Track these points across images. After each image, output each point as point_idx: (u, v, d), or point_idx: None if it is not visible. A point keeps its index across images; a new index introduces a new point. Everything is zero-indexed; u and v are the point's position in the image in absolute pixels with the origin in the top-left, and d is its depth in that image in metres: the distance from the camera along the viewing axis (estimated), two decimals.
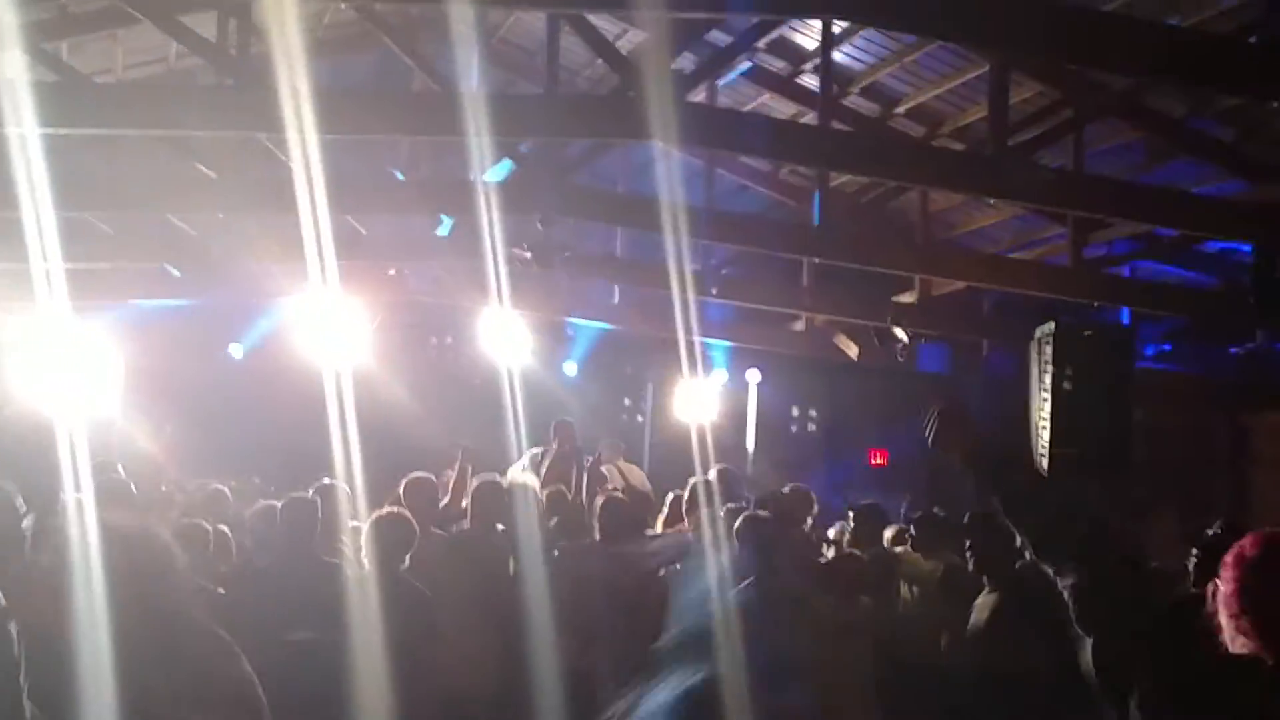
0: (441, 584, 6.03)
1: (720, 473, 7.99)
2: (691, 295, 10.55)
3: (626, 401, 16.78)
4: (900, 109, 11.20)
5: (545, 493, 8.36)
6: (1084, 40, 6.76)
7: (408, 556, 5.77)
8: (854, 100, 11.19)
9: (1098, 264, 11.26)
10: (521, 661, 6.22)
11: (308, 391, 9.39)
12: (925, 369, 13.30)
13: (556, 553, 7.11)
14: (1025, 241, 12.56)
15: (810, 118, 10.88)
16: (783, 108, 11.70)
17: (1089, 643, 2.80)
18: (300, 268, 9.49)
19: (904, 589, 6.85)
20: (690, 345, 11.59)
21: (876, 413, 15.63)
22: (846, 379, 15.17)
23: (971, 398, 12.08)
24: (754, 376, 15.11)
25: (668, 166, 9.54)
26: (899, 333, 12.30)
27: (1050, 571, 2.88)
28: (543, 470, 9.05)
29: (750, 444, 15.07)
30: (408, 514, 6.03)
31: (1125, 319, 11.62)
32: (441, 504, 7.68)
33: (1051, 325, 8.39)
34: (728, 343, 14.71)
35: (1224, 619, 2.63)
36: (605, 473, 9.86)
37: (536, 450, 9.52)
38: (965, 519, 5.99)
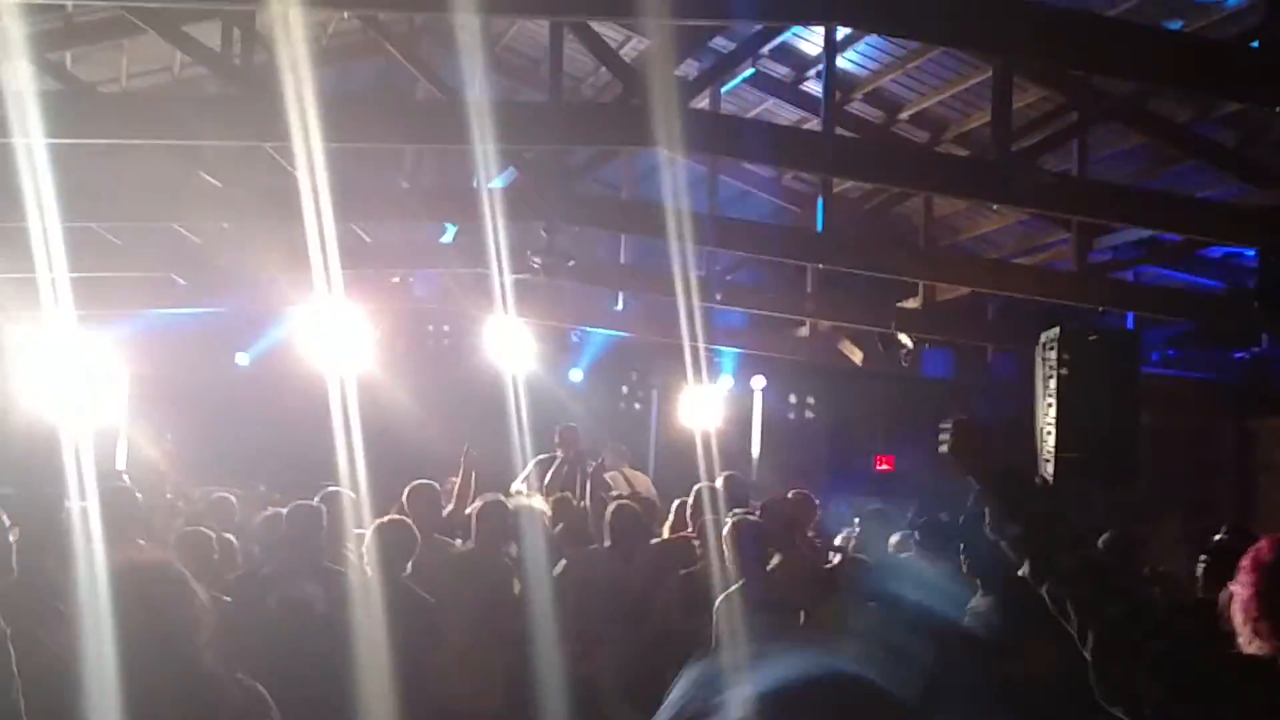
0: (446, 603, 6.04)
1: (726, 480, 8.02)
2: (696, 302, 10.56)
3: (636, 407, 16.77)
4: (904, 115, 11.22)
5: (551, 500, 8.38)
6: (1086, 45, 6.77)
7: (409, 563, 5.77)
8: (857, 106, 11.21)
9: (1102, 269, 11.26)
10: (526, 679, 6.23)
11: (313, 399, 9.41)
12: (930, 374, 13.28)
13: (563, 564, 7.10)
14: (1029, 247, 12.55)
15: (814, 124, 10.91)
16: (786, 114, 11.72)
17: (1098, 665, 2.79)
18: (305, 276, 9.51)
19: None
20: (695, 352, 11.60)
21: (882, 418, 15.63)
22: (851, 385, 15.16)
23: (976, 403, 12.08)
24: (759, 383, 15.11)
25: (671, 173, 9.55)
26: (903, 338, 12.30)
27: (1049, 599, 2.89)
28: (548, 477, 9.07)
29: (755, 450, 15.08)
30: (409, 521, 6.05)
31: (1130, 324, 11.61)
32: (445, 511, 7.69)
33: (1056, 330, 8.37)
34: (733, 349, 14.71)
35: (1240, 622, 2.65)
36: (610, 479, 9.89)
37: (543, 457, 9.53)
38: (958, 521, 5.97)
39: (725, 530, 6.33)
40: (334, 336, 10.78)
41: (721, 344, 14.27)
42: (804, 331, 14.50)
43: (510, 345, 12.01)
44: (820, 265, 12.11)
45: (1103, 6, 8.03)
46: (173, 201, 10.32)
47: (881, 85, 10.84)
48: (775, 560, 6.11)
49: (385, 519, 5.98)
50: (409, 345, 14.52)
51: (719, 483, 7.88)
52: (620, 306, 13.95)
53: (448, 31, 9.29)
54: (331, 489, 6.88)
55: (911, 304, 12.57)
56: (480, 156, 8.44)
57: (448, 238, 12.41)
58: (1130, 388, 8.48)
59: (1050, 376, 8.33)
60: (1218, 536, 6.92)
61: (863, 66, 10.69)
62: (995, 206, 11.46)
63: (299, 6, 7.23)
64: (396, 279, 13.70)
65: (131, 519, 5.97)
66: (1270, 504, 11.77)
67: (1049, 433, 8.28)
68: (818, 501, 8.72)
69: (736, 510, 7.06)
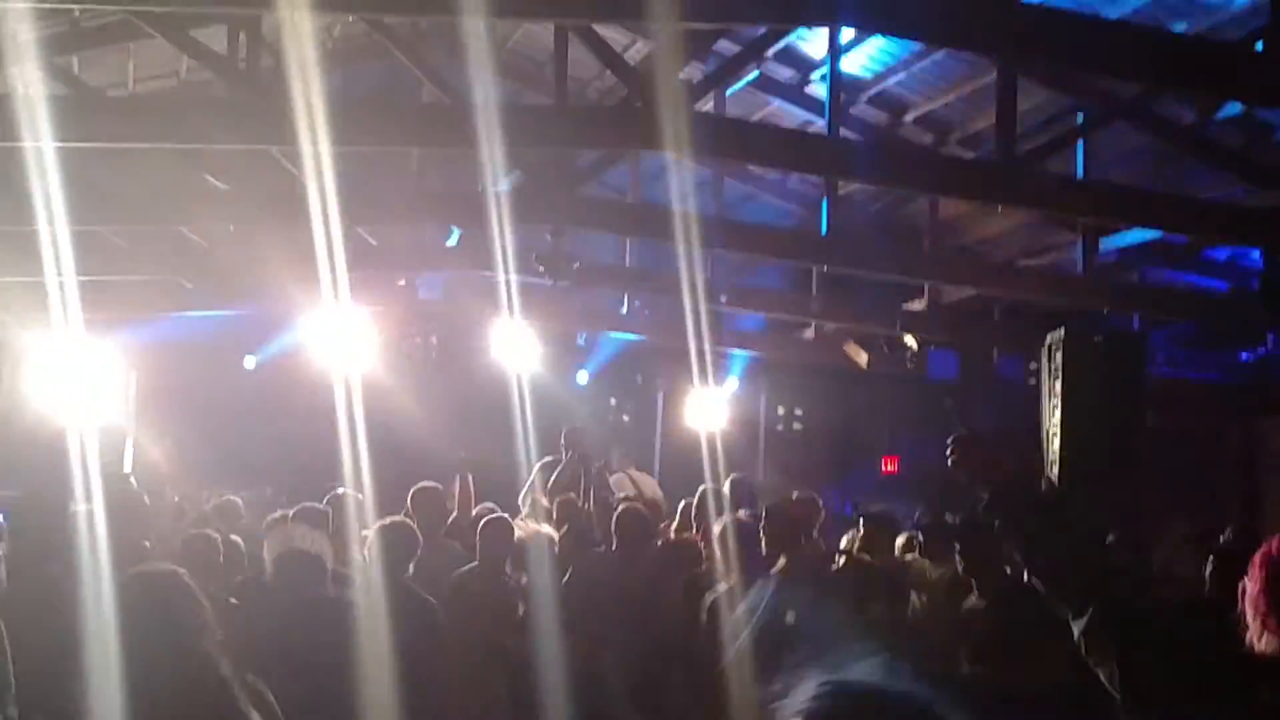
0: (450, 621, 6.06)
1: (732, 482, 8.03)
2: (701, 304, 10.56)
3: (642, 409, 16.78)
4: (909, 117, 11.21)
5: (556, 501, 8.40)
6: (1091, 47, 6.78)
7: (412, 565, 5.79)
8: (862, 109, 11.21)
9: (1107, 270, 11.25)
10: (531, 689, 6.25)
11: (320, 402, 9.43)
12: (935, 376, 13.28)
13: (569, 573, 7.11)
14: (1035, 248, 12.54)
15: (818, 126, 10.90)
16: (791, 117, 11.72)
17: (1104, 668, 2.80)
18: (311, 279, 9.52)
19: (913, 597, 6.85)
20: (700, 354, 11.60)
21: (887, 420, 15.63)
22: (857, 387, 15.16)
23: (981, 405, 12.07)
24: (764, 385, 15.12)
25: (676, 176, 9.56)
26: (909, 340, 12.30)
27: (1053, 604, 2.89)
28: (553, 479, 9.08)
29: (760, 452, 15.08)
30: (410, 522, 6.07)
31: (1136, 325, 11.60)
32: (450, 519, 7.73)
33: (1061, 332, 8.37)
34: (738, 351, 14.71)
35: (1251, 618, 2.67)
36: (616, 481, 9.90)
37: (548, 460, 9.54)
38: (957, 523, 5.98)
39: (726, 531, 6.34)
40: (339, 340, 10.80)
41: (726, 346, 14.27)
42: (809, 333, 14.50)
43: (516, 348, 12.03)
44: (825, 268, 12.12)
45: (1109, 9, 8.04)
46: (179, 205, 10.35)
47: (886, 87, 10.84)
48: (781, 562, 6.13)
49: (387, 520, 6.00)
50: (414, 348, 14.55)
51: (725, 485, 7.90)
52: (626, 310, 13.97)
53: (453, 35, 9.29)
54: (339, 492, 6.90)
55: (917, 306, 12.56)
56: (485, 160, 8.46)
57: (453, 241, 12.43)
58: (1136, 389, 8.47)
59: (1055, 379, 8.33)
60: (1225, 537, 6.93)
61: (867, 69, 10.69)
62: (1000, 208, 11.46)
63: (305, 10, 7.24)
64: (402, 282, 13.73)
65: (138, 522, 5.99)
66: (1277, 504, 11.75)
67: (1054, 435, 8.28)
68: (822, 503, 8.72)
69: (741, 512, 7.06)
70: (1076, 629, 2.81)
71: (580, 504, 8.48)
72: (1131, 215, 9.27)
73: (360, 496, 6.95)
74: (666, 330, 12.55)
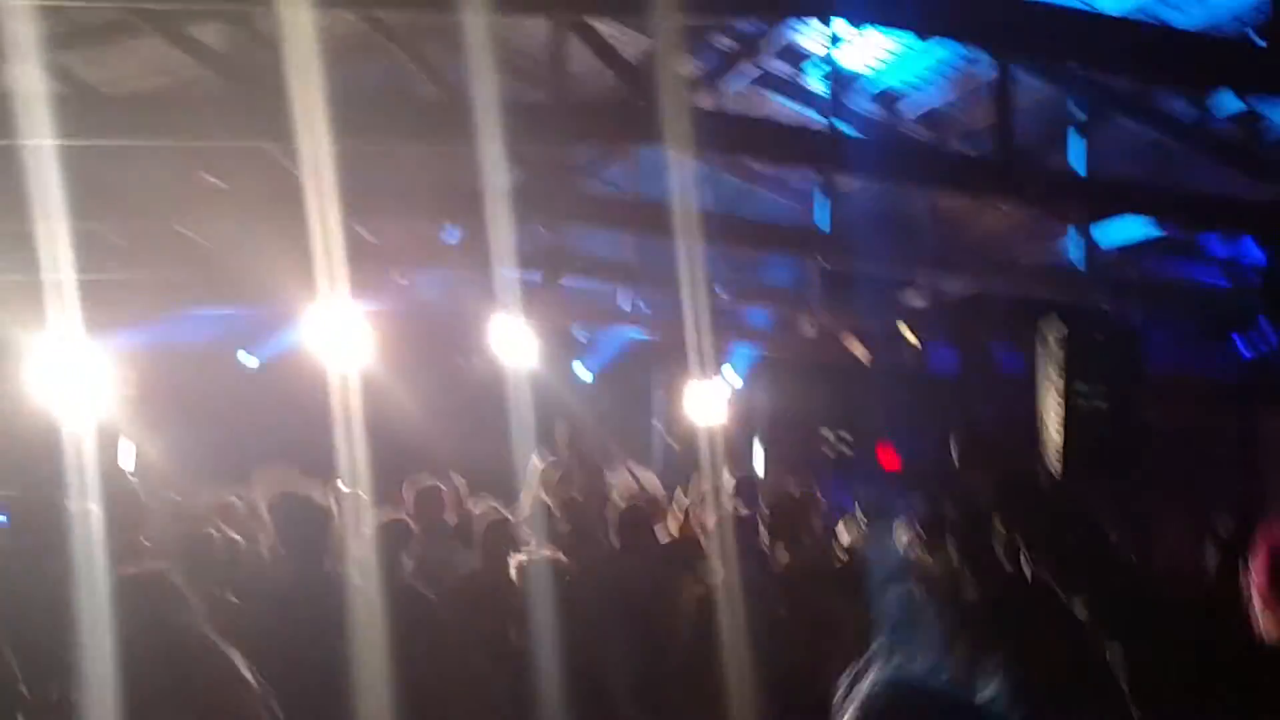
0: (449, 618, 6.06)
1: (735, 478, 8.04)
2: (701, 299, 10.55)
3: (642, 405, 16.78)
4: (908, 113, 11.20)
5: (557, 499, 8.40)
6: (1090, 41, 6.76)
7: (410, 561, 5.80)
8: (861, 104, 11.19)
9: (1107, 265, 11.23)
10: (533, 688, 6.25)
11: (319, 401, 9.41)
12: (935, 370, 13.28)
13: (572, 573, 7.10)
14: (1035, 243, 12.52)
15: (817, 122, 10.89)
16: (790, 112, 11.70)
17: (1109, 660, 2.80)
18: (309, 276, 9.51)
19: (913, 589, 6.84)
20: (700, 349, 11.60)
21: (887, 414, 15.61)
22: (856, 381, 15.15)
23: (982, 400, 12.07)
24: (764, 379, 15.11)
25: (674, 171, 9.55)
26: (908, 335, 12.29)
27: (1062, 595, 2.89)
28: (551, 475, 9.08)
29: (761, 447, 15.08)
30: (408, 519, 6.07)
31: (1135, 320, 11.58)
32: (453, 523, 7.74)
33: (1061, 327, 8.38)
34: (738, 346, 14.71)
35: (1259, 608, 2.68)
36: (616, 477, 9.90)
37: (552, 460, 9.55)
38: (953, 513, 5.97)
39: (726, 527, 6.35)
40: (338, 337, 10.78)
41: (727, 341, 14.27)
42: (809, 328, 14.49)
43: (515, 344, 12.01)
44: (825, 263, 12.11)
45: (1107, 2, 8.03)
46: (176, 203, 10.34)
47: (886, 84, 10.82)
48: (785, 558, 6.14)
49: (385, 518, 6.01)
50: (413, 345, 14.53)
51: (727, 481, 7.91)
52: (625, 305, 13.96)
53: (451, 31, 9.27)
54: (340, 488, 6.90)
55: (917, 301, 12.55)
56: (484, 156, 8.45)
57: (451, 237, 12.42)
58: (1135, 383, 8.49)
59: (1055, 373, 8.34)
60: (1225, 531, 6.92)
61: (867, 65, 10.67)
62: (1001, 204, 11.45)
63: (303, 7, 7.23)
64: (401, 279, 13.71)
65: (135, 520, 5.99)
66: (1277, 498, 11.75)
67: (1054, 430, 8.29)
68: (823, 498, 8.73)
69: (744, 508, 7.07)
70: (1082, 621, 2.80)
71: (580, 500, 8.48)
72: (1132, 210, 9.26)
73: (362, 495, 6.96)
74: (667, 326, 12.54)
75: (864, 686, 2.17)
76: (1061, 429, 8.20)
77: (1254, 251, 10.39)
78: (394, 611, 5.34)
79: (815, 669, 5.97)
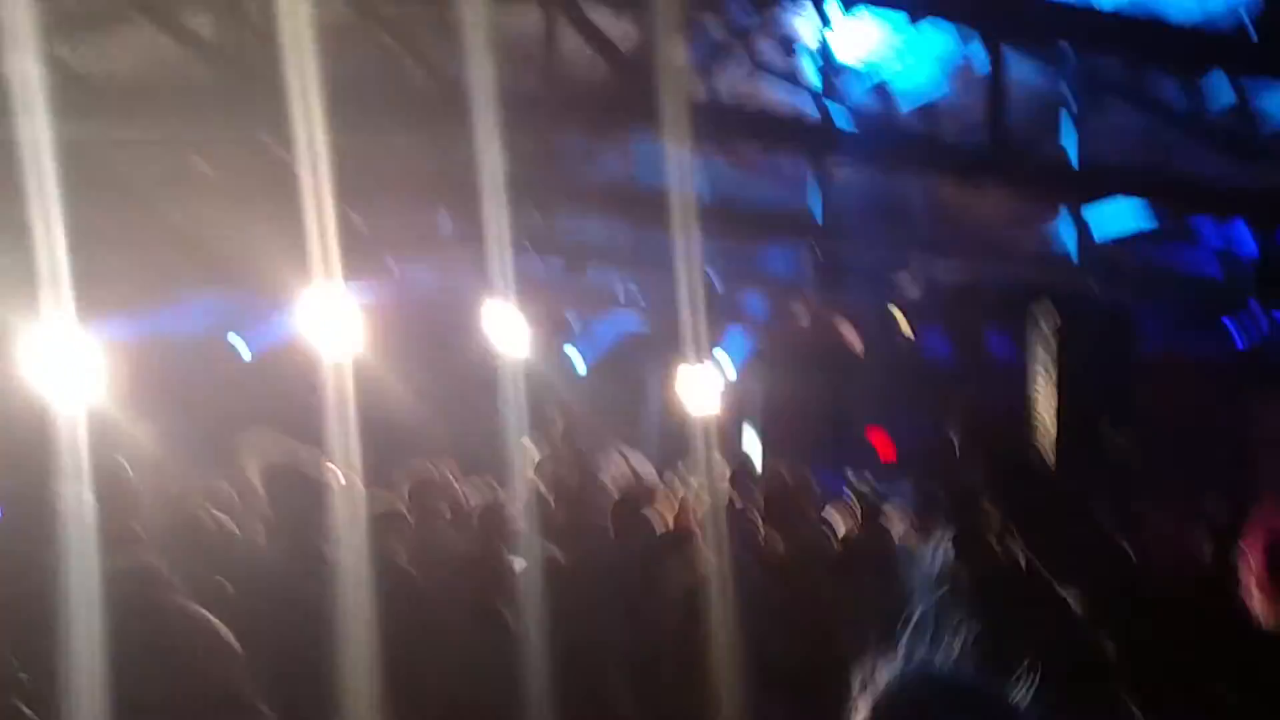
0: (444, 602, 6.07)
1: (731, 466, 8.06)
2: (695, 285, 10.54)
3: (632, 392, 16.77)
4: (899, 98, 11.18)
5: (551, 487, 8.41)
6: (1081, 26, 6.77)
7: (403, 548, 5.80)
8: (854, 91, 11.16)
9: (1099, 249, 11.24)
10: (525, 673, 6.26)
11: (310, 387, 9.40)
12: (928, 355, 13.30)
13: (564, 562, 7.11)
14: (1027, 228, 12.53)
15: (810, 109, 10.87)
16: (781, 99, 11.68)
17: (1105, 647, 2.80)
18: (302, 265, 9.49)
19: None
20: (695, 336, 11.59)
21: (880, 399, 15.64)
22: (850, 366, 15.17)
23: (974, 385, 12.09)
24: (758, 367, 15.12)
25: (666, 159, 9.54)
26: (901, 320, 12.31)
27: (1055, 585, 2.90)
28: (545, 462, 9.09)
29: (756, 433, 15.09)
30: (401, 507, 6.07)
31: (1128, 306, 11.59)
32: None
33: (1053, 312, 8.39)
34: (732, 332, 14.71)
35: (1254, 588, 2.69)
36: (611, 465, 9.92)
37: (547, 455, 9.55)
38: (944, 497, 5.99)
39: (720, 513, 6.36)
40: (330, 325, 10.76)
41: (721, 327, 14.27)
42: (803, 314, 14.49)
43: (508, 331, 12.00)
44: (818, 250, 12.11)
45: None
46: (169, 190, 10.32)
47: (878, 70, 10.80)
48: (781, 546, 6.16)
49: (378, 505, 6.01)
50: (406, 332, 14.52)
51: (723, 469, 7.93)
52: (619, 292, 13.96)
53: (444, 19, 9.25)
54: (330, 471, 6.89)
55: (910, 289, 12.56)
56: (477, 143, 8.44)
57: (444, 225, 12.40)
58: (1127, 367, 8.50)
59: (1047, 358, 8.35)
60: (1220, 516, 6.95)
61: (858, 49, 10.64)
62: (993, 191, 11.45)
63: None
64: (393, 266, 13.70)
65: (127, 507, 5.98)
66: (1271, 481, 11.78)
67: (1046, 414, 8.30)
68: (817, 486, 8.74)
69: (739, 496, 7.08)
70: (1076, 608, 2.81)
71: (575, 488, 8.50)
72: (1124, 195, 9.26)
73: (352, 483, 6.94)
74: (661, 313, 12.54)
75: (883, 677, 2.16)
76: (1055, 415, 8.20)
77: (1246, 238, 10.41)
78: (387, 595, 5.35)
79: (814, 656, 6.00)
